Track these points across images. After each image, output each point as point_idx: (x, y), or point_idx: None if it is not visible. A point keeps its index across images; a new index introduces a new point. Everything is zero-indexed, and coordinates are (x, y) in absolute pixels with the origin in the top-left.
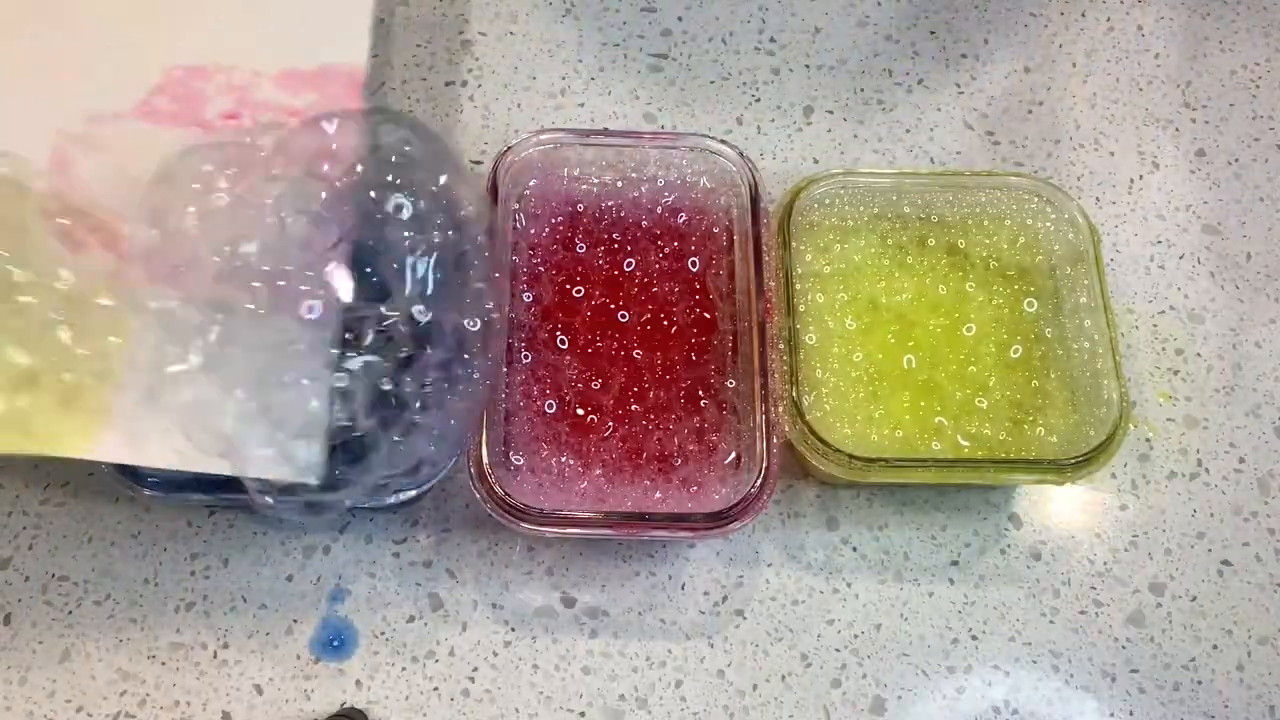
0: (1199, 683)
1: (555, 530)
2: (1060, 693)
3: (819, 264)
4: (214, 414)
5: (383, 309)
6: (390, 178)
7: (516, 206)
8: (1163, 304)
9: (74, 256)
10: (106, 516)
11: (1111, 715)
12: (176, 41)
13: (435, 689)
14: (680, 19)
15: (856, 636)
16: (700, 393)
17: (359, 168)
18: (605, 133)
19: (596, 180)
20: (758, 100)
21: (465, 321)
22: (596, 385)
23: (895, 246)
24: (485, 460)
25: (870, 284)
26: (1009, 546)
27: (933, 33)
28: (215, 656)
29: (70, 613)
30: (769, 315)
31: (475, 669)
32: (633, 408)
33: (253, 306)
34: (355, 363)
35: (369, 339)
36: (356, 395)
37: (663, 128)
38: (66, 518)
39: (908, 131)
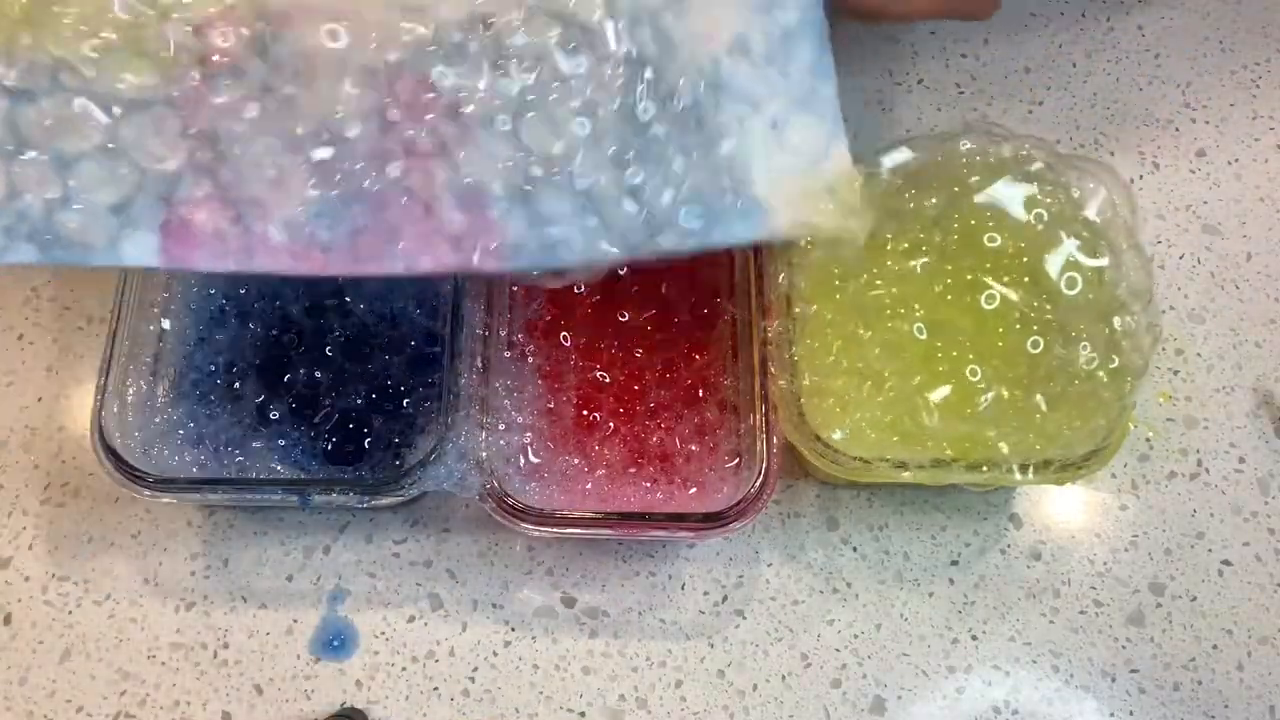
0: (1199, 683)
1: (555, 530)
2: (1060, 693)
3: (819, 263)
4: None
5: None
6: None
7: None
8: (1163, 304)
9: None
10: (106, 516)
11: (1111, 715)
12: None
13: (435, 689)
14: None
15: (856, 636)
16: (700, 392)
17: None
18: None
19: None
20: None
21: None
22: (597, 385)
23: (896, 246)
24: (486, 461)
25: (870, 284)
26: (1009, 546)
27: (932, 33)
28: (215, 656)
29: (70, 613)
30: (769, 315)
31: (475, 669)
32: (633, 407)
33: None
34: None
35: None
36: None
37: None
38: (66, 518)
39: (908, 131)
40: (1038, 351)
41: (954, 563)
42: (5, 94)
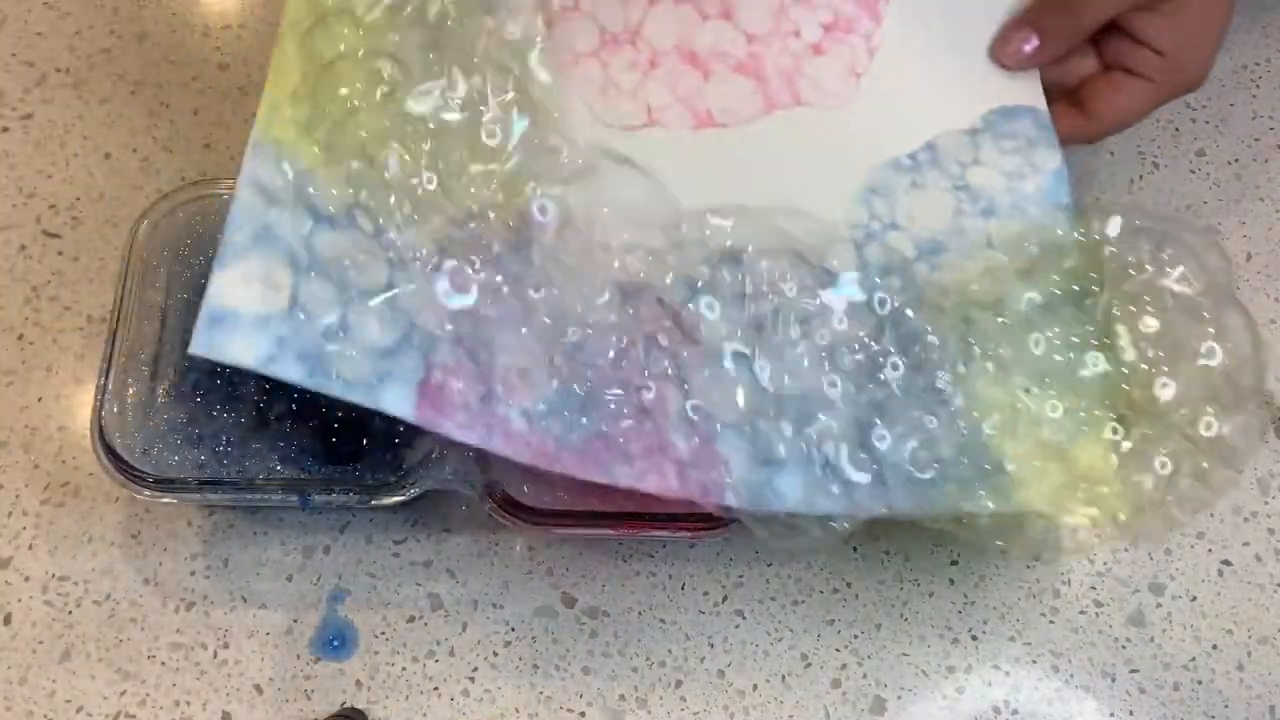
0: (1199, 683)
1: (555, 530)
2: (1060, 693)
3: None
4: None
5: None
6: None
7: None
8: None
9: None
10: (106, 516)
11: (1111, 715)
12: None
13: (435, 689)
14: None
15: (856, 636)
16: None
17: None
18: None
19: None
20: None
21: None
22: None
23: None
24: (485, 459)
25: None
26: None
27: None
28: (215, 656)
29: (70, 613)
30: None
31: (475, 669)
32: None
33: None
34: None
35: None
36: None
37: None
38: (66, 518)
39: None
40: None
41: (954, 563)
42: (312, 215)
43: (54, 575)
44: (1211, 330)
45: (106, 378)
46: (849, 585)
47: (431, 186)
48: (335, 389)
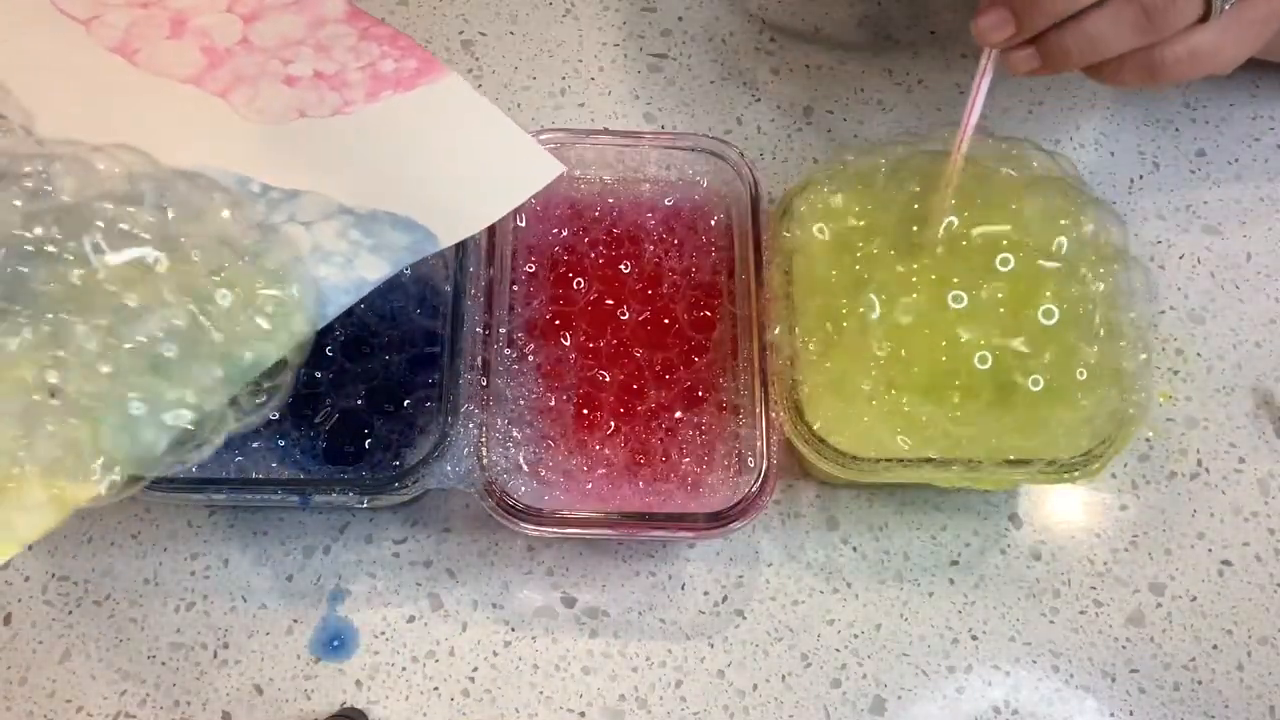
0: (1199, 683)
1: (555, 530)
2: (1060, 693)
3: (819, 263)
4: None
5: None
6: None
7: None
8: (1163, 304)
9: None
10: (106, 516)
11: (1111, 715)
12: None
13: (435, 689)
14: (680, 19)
15: (856, 636)
16: (700, 392)
17: None
18: (605, 133)
19: (596, 180)
20: (758, 100)
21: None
22: (597, 385)
23: (896, 246)
24: (486, 460)
25: (871, 284)
26: (1009, 546)
27: (933, 32)
28: (215, 656)
29: (70, 613)
30: (769, 315)
31: (475, 669)
32: (633, 407)
33: None
34: None
35: None
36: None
37: (663, 128)
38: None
39: (909, 130)
40: (1020, 358)
41: (954, 563)
42: None
43: (54, 575)
44: None
45: None
46: (849, 585)
47: None
48: None
